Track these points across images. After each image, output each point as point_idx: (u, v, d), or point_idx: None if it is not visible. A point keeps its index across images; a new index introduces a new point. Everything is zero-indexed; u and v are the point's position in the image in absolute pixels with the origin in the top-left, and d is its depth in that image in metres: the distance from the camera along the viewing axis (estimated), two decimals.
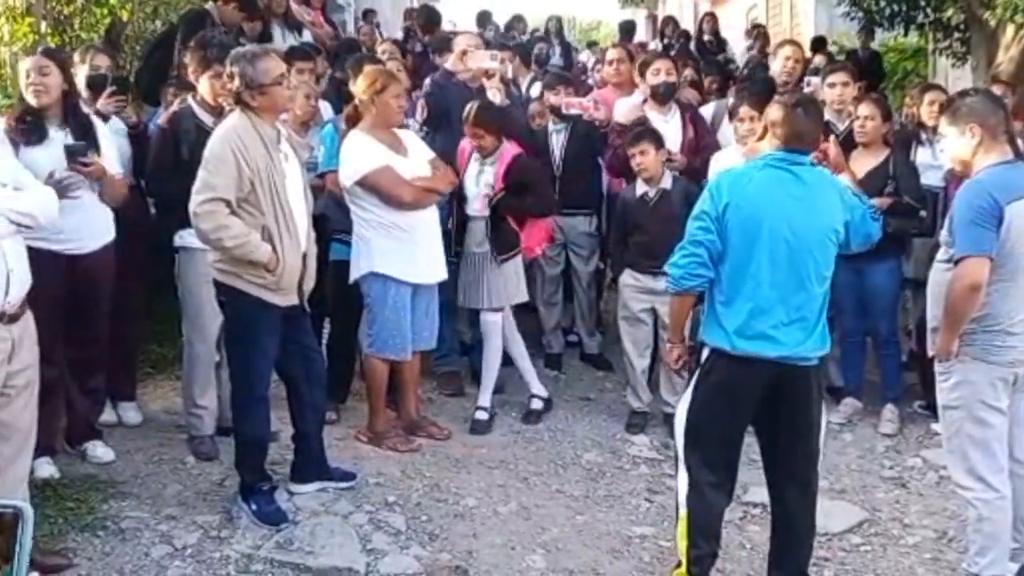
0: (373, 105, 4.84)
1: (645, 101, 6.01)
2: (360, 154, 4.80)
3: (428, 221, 5.01)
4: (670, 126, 5.85)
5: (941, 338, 3.69)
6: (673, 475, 4.43)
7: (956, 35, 9.64)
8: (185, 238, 4.66)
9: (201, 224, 3.95)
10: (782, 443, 3.66)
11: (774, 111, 3.62)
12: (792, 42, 7.04)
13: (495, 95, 5.62)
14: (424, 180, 4.94)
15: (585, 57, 12.11)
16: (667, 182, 5.37)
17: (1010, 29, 7.77)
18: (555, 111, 6.15)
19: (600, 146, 6.09)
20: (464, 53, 5.76)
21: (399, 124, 5.08)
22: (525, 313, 6.71)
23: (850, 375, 5.82)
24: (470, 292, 5.41)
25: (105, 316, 4.61)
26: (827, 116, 5.80)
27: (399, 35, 10.55)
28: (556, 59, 10.72)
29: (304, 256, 4.17)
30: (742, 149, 5.27)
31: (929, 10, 9.16)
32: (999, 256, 3.54)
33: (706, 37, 12.03)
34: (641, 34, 18.29)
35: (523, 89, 7.43)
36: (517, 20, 11.73)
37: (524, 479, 4.86)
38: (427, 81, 6.01)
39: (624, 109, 6.06)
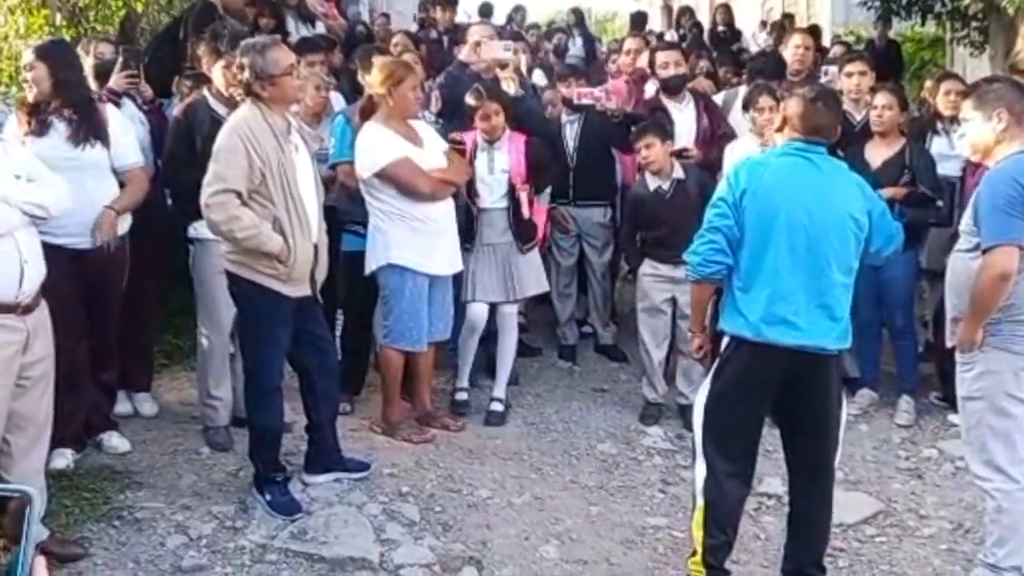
0: (390, 97, 4.83)
1: (657, 92, 6.00)
2: (378, 146, 4.80)
3: (444, 212, 5.01)
4: (684, 116, 5.84)
5: (966, 328, 3.64)
6: (687, 466, 4.44)
7: (974, 24, 9.58)
8: (199, 230, 4.67)
9: (212, 215, 3.95)
10: (799, 433, 3.65)
11: (793, 104, 3.60)
12: (803, 31, 7.03)
13: (509, 86, 5.60)
14: (441, 171, 4.94)
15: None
16: (679, 173, 5.35)
17: None
18: (567, 102, 6.14)
19: (615, 137, 6.07)
20: (478, 44, 5.76)
21: (415, 116, 5.08)
22: (539, 305, 6.74)
23: (866, 366, 5.79)
24: (488, 285, 5.36)
25: (115, 311, 4.61)
26: (844, 106, 5.78)
27: (414, 27, 10.54)
28: (577, 50, 10.70)
29: (315, 247, 4.18)
30: (758, 140, 5.25)
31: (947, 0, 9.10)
32: None
33: (720, 28, 12.00)
34: (656, 25, 18.25)
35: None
36: (516, 11, 11.70)
37: (538, 470, 4.86)
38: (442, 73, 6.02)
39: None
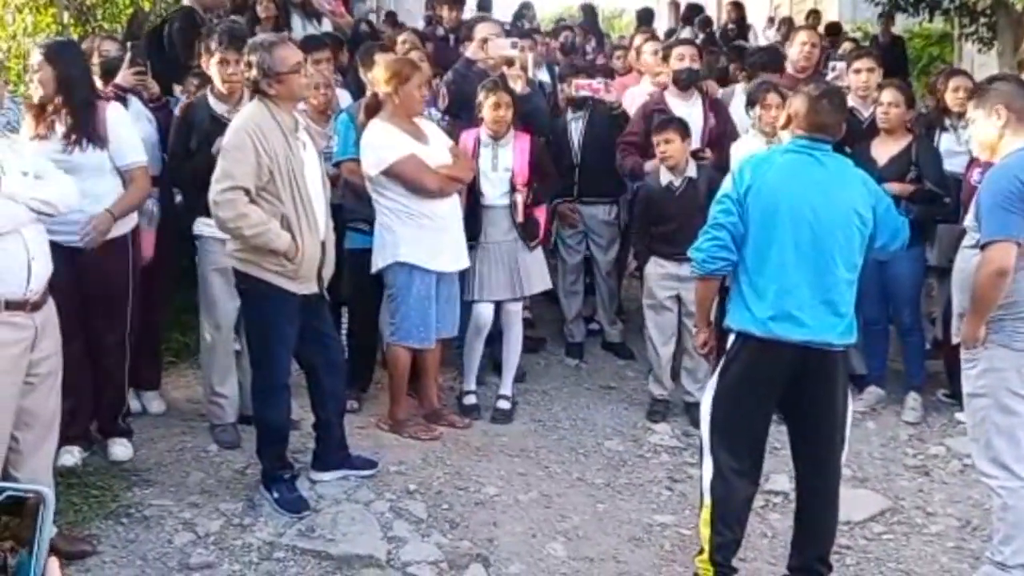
0: (396, 95, 4.83)
1: (666, 87, 5.99)
2: (384, 143, 4.80)
3: (451, 209, 5.01)
4: (692, 113, 5.83)
5: (968, 325, 3.65)
6: (694, 463, 4.44)
7: (982, 20, 9.55)
8: (200, 227, 4.70)
9: (220, 213, 3.96)
10: (805, 430, 3.65)
11: (798, 101, 3.62)
12: (809, 27, 7.01)
13: (516, 83, 5.60)
14: (447, 168, 4.94)
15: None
16: (692, 171, 5.35)
17: None
18: (572, 101, 6.14)
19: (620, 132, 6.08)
20: (485, 41, 5.75)
21: (420, 114, 5.08)
22: (546, 302, 6.74)
23: (873, 363, 5.78)
24: (493, 283, 5.36)
25: (121, 314, 4.55)
26: (852, 102, 5.78)
27: (420, 24, 10.53)
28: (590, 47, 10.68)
29: (323, 244, 4.18)
30: (763, 137, 5.24)
31: None
32: None
33: (730, 26, 11.98)
34: (664, 21, 18.22)
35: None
36: (526, 8, 11.69)
37: (545, 467, 4.86)
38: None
39: (637, 100, 6.09)
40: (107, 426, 4.69)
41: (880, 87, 5.67)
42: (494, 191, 5.34)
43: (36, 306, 3.45)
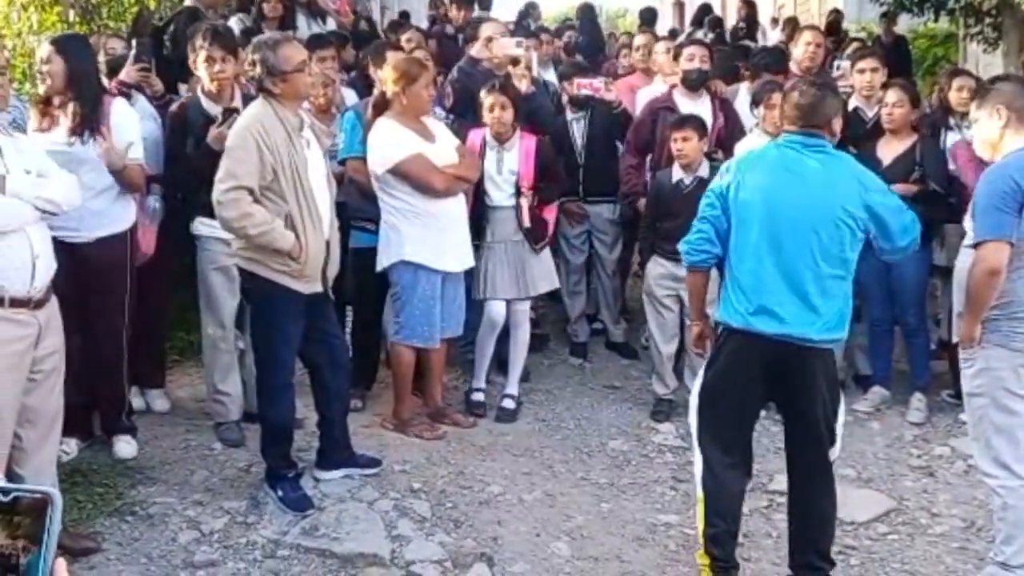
0: (404, 95, 4.84)
1: (675, 87, 5.99)
2: (391, 142, 4.80)
3: (457, 209, 5.01)
4: (700, 113, 5.81)
5: (964, 324, 3.66)
6: None
7: (987, 20, 9.52)
8: (198, 226, 4.70)
9: (224, 212, 3.96)
10: (792, 426, 3.67)
11: (789, 97, 3.63)
12: (814, 27, 7.01)
13: (521, 82, 5.60)
14: (454, 167, 4.94)
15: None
16: (704, 170, 5.33)
17: None
18: (573, 100, 6.15)
19: (621, 132, 6.09)
20: (490, 40, 5.75)
21: (428, 113, 5.08)
22: (550, 302, 6.74)
23: (878, 363, 5.78)
24: (501, 282, 5.36)
25: (120, 311, 4.53)
26: (856, 102, 5.80)
27: (424, 24, 10.53)
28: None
29: (327, 243, 4.18)
30: (768, 137, 5.22)
31: None
32: (1019, 243, 3.50)
33: (740, 25, 11.98)
34: (667, 21, 18.20)
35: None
36: (531, 7, 11.70)
37: (549, 467, 4.86)
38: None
39: (648, 100, 6.10)
40: (111, 424, 4.70)
41: (884, 87, 5.67)
42: (500, 194, 5.34)
43: (40, 304, 3.46)
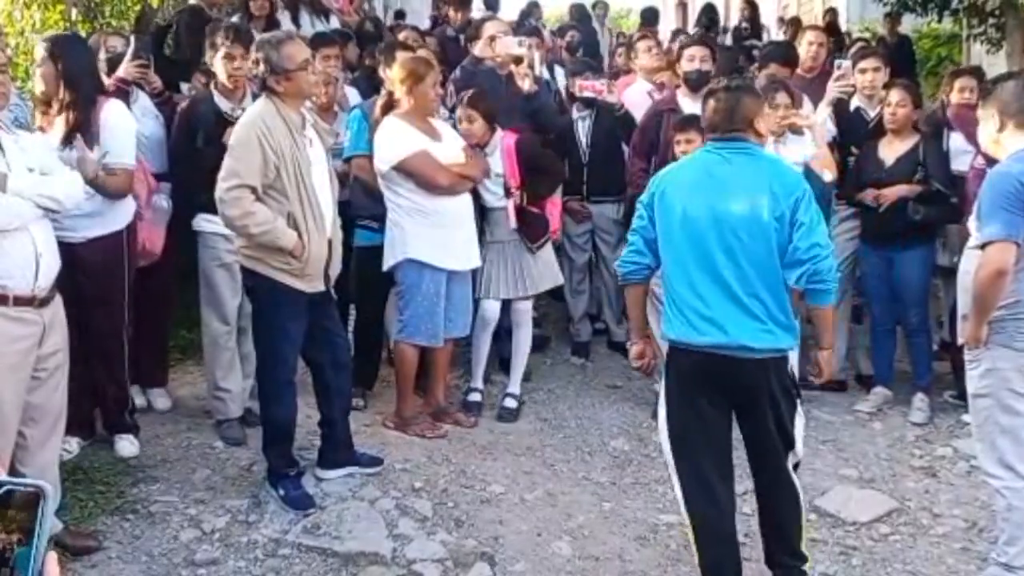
0: (411, 94, 4.84)
1: (663, 86, 5.98)
2: (398, 139, 4.81)
3: (462, 208, 5.01)
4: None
5: (969, 325, 3.65)
6: None
7: (991, 21, 9.50)
8: (199, 223, 4.70)
9: (227, 211, 3.96)
10: (746, 433, 3.55)
11: (704, 103, 3.57)
12: (816, 27, 7.01)
13: (524, 81, 5.60)
14: (459, 166, 4.94)
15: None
16: None
17: None
18: (577, 100, 6.15)
19: (625, 133, 6.08)
20: (493, 39, 5.75)
21: (435, 112, 5.09)
22: (552, 301, 6.74)
23: (880, 364, 5.78)
24: (499, 282, 5.36)
25: (117, 307, 4.50)
26: (858, 102, 5.80)
27: (427, 23, 10.53)
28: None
29: (330, 242, 4.18)
30: (771, 137, 5.20)
31: None
32: None
33: (744, 25, 11.98)
34: (670, 21, 18.19)
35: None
36: (534, 6, 11.71)
37: (551, 466, 4.86)
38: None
39: (634, 98, 6.14)
40: (113, 422, 4.69)
41: (887, 87, 5.66)
42: (491, 196, 5.33)
43: (44, 302, 3.46)
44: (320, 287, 4.17)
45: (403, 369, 5.03)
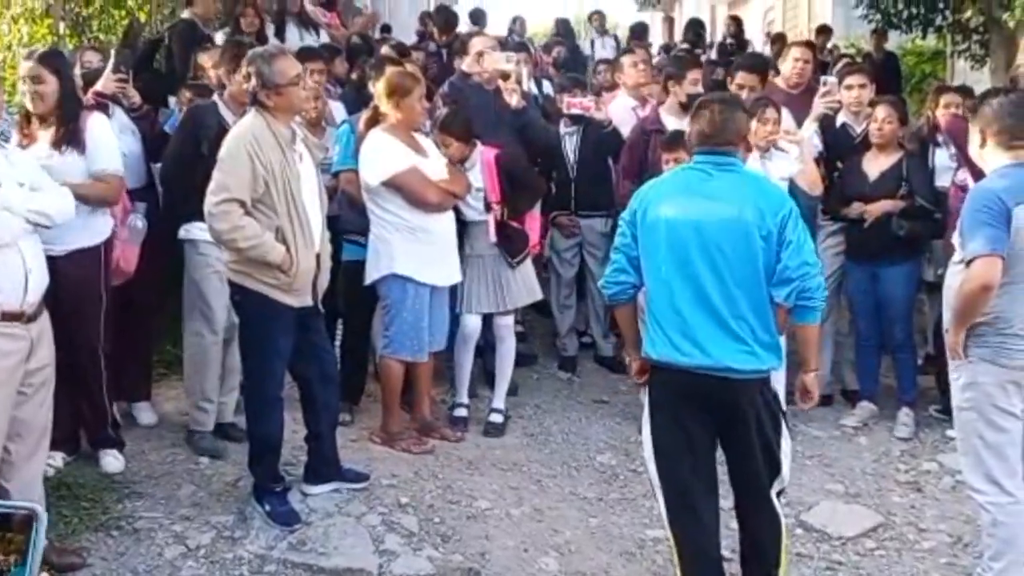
0: (398, 109, 4.85)
1: (646, 101, 6.02)
2: (386, 154, 4.81)
3: (446, 224, 5.03)
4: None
5: (950, 336, 3.68)
6: None
7: (975, 38, 9.61)
8: (191, 231, 4.70)
9: (216, 224, 3.95)
10: (730, 456, 3.53)
11: (691, 118, 3.56)
12: (802, 43, 7.04)
13: (511, 96, 5.61)
14: (446, 183, 4.95)
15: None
16: None
17: None
18: (565, 114, 6.19)
19: (611, 148, 6.12)
20: (480, 55, 5.76)
21: (420, 127, 5.10)
22: (539, 316, 6.75)
23: (865, 378, 5.81)
24: (479, 297, 5.36)
25: (92, 322, 4.43)
26: (844, 118, 5.84)
27: (413, 39, 10.58)
28: (608, 52, 10.75)
29: (318, 257, 4.18)
30: (758, 152, 5.23)
31: (947, 12, 9.12)
32: (1008, 258, 3.50)
33: (729, 40, 12.08)
34: (657, 36, 18.28)
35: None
36: (515, 21, 11.81)
37: (537, 481, 4.86)
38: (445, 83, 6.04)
39: (618, 113, 6.21)
40: (97, 437, 4.66)
41: (874, 103, 5.70)
42: (471, 211, 5.33)
43: (32, 317, 3.45)
44: (308, 301, 4.16)
45: (389, 384, 5.03)
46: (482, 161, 5.32)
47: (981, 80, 9.72)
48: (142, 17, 7.74)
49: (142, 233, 4.84)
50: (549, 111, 6.68)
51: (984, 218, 3.50)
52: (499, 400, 5.49)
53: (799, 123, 5.55)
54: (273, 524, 4.14)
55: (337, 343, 5.29)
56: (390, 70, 5.21)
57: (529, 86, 7.05)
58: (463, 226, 5.30)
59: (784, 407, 3.75)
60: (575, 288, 6.50)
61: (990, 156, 3.67)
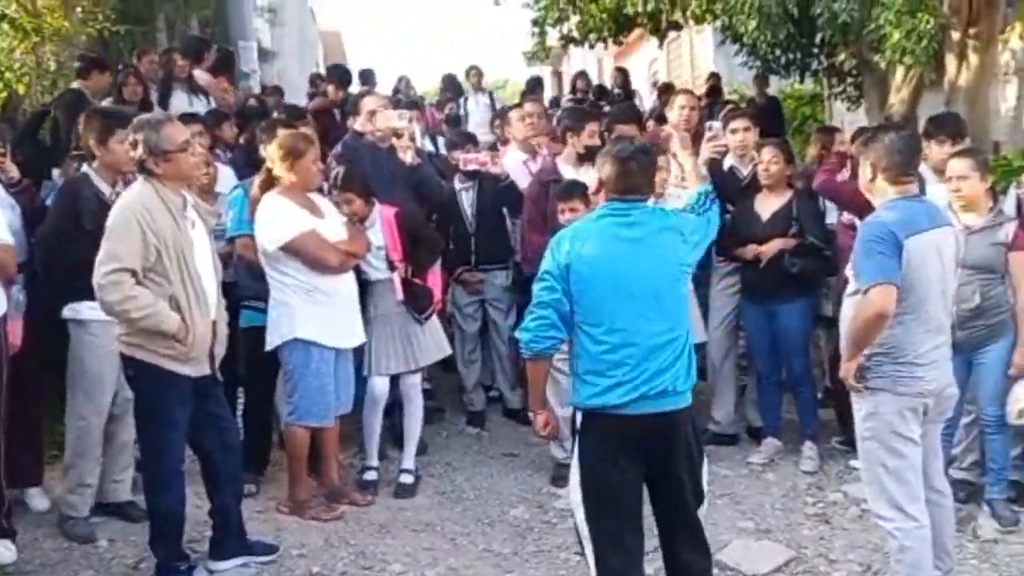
0: (292, 171, 4.80)
1: (556, 155, 6.09)
2: (282, 218, 4.75)
3: (347, 285, 4.98)
4: (588, 180, 5.88)
5: (844, 363, 3.78)
6: None
7: (849, 80, 9.98)
8: (77, 310, 4.54)
9: (106, 296, 3.84)
10: (660, 491, 3.57)
11: (607, 166, 3.60)
12: (686, 91, 7.22)
13: (406, 154, 5.62)
14: (344, 243, 4.91)
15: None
16: None
17: (899, 71, 8.06)
18: (459, 170, 6.24)
19: (508, 201, 6.18)
20: (373, 113, 5.76)
21: (316, 188, 5.05)
22: (445, 372, 6.71)
23: (768, 415, 5.89)
24: (388, 357, 5.30)
25: None
26: (731, 161, 5.98)
27: (303, 100, 10.54)
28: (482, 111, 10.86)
29: (214, 324, 4.09)
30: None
31: (823, 57, 9.48)
32: (902, 289, 3.61)
33: (616, 90, 12.36)
34: (547, 90, 18.57)
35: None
36: (400, 80, 11.96)
37: (451, 540, 4.79)
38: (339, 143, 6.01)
39: (509, 167, 6.29)
40: None
41: (759, 146, 5.86)
42: (374, 270, 5.30)
43: None
44: (206, 370, 4.07)
45: (295, 452, 4.92)
46: (381, 219, 5.29)
47: (857, 120, 10.10)
48: (21, 90, 7.54)
49: (23, 305, 4.66)
50: (442, 168, 6.71)
51: (877, 248, 3.61)
52: (409, 460, 5.42)
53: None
54: None
55: (239, 412, 5.16)
56: (282, 132, 5.17)
57: (423, 143, 7.08)
58: (365, 286, 5.25)
59: None
60: (479, 342, 6.49)
61: (879, 189, 3.79)
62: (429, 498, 5.29)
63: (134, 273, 3.85)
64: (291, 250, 4.74)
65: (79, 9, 8.56)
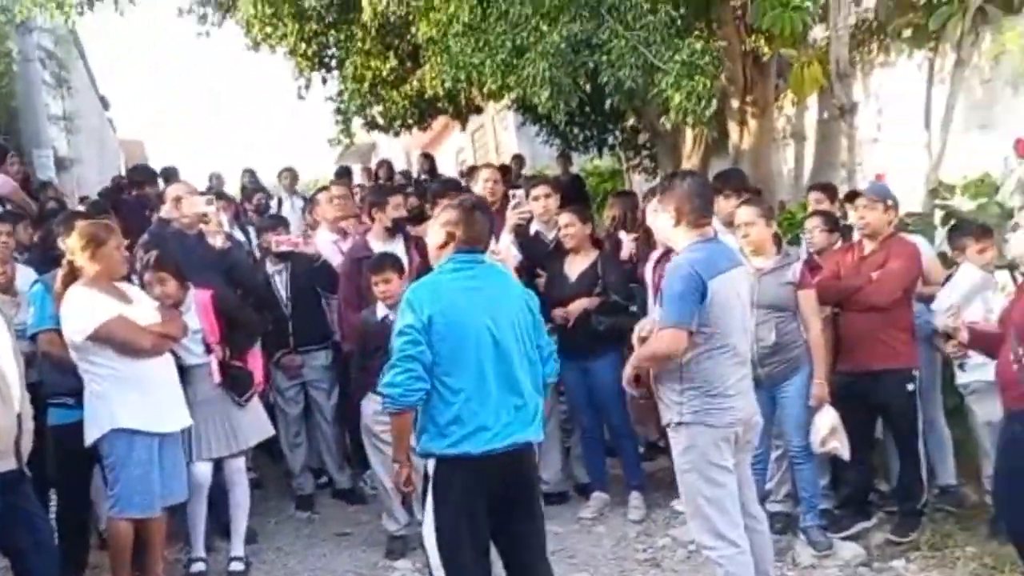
0: (95, 260, 4.67)
1: (345, 233, 6.21)
2: (88, 308, 4.59)
3: (165, 368, 4.84)
4: (397, 252, 6.00)
5: (625, 369, 4.09)
6: None
7: (644, 152, 10.54)
8: None
9: None
10: (515, 534, 3.69)
11: (455, 215, 3.74)
12: (489, 166, 7.50)
13: (215, 238, 5.58)
14: (158, 326, 4.79)
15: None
16: None
17: (688, 137, 8.59)
18: (271, 252, 6.24)
19: (321, 280, 6.23)
20: (179, 199, 5.71)
21: (122, 275, 4.92)
22: (270, 459, 6.57)
23: (594, 470, 6.04)
24: (209, 441, 5.18)
25: None
26: (537, 227, 6.21)
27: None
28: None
29: (19, 416, 3.91)
30: None
31: (618, 132, 9.95)
32: (707, 327, 3.83)
33: (423, 176, 12.66)
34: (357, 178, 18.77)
35: None
36: (211, 178, 11.95)
37: None
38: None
39: (324, 247, 6.43)
40: None
41: (558, 213, 6.10)
42: (190, 354, 5.21)
43: None
44: (12, 465, 3.87)
45: (118, 547, 4.67)
46: (197, 303, 5.22)
47: None
48: None
49: None
50: (256, 257, 6.70)
51: (680, 289, 3.81)
52: (238, 548, 5.28)
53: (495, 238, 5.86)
54: None
55: (52, 515, 4.89)
56: (80, 223, 5.04)
57: (232, 230, 7.03)
58: (183, 372, 5.13)
59: None
60: (303, 424, 6.40)
61: (681, 234, 3.98)
62: None
63: None
64: (100, 338, 4.59)
65: None
